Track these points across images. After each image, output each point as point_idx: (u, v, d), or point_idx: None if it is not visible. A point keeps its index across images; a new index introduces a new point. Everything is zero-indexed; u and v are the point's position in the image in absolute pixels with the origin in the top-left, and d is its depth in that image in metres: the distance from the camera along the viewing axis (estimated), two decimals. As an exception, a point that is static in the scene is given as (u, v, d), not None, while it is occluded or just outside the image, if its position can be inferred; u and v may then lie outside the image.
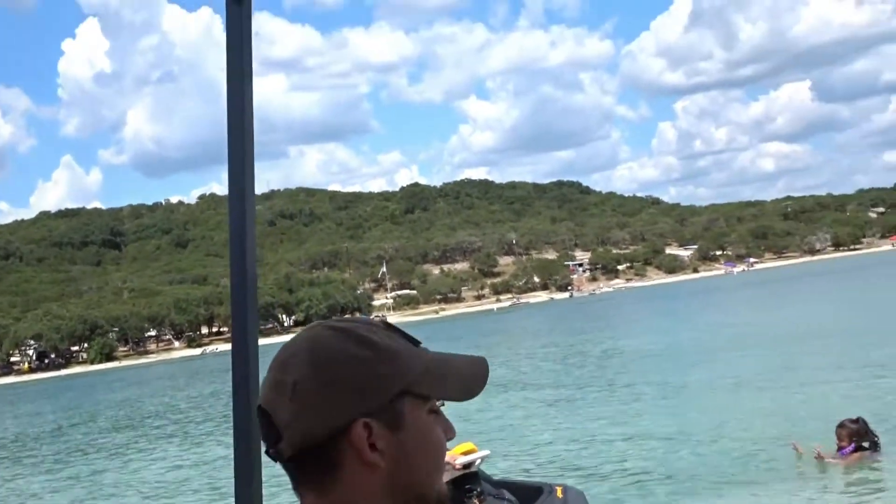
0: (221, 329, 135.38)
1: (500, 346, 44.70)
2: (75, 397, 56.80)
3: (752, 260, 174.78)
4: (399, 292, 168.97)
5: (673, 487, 11.60)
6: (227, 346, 1.69)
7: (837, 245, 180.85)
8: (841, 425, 11.24)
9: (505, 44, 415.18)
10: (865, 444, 11.10)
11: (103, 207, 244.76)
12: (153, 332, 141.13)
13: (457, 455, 9.27)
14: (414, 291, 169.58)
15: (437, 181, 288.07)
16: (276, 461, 0.97)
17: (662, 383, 21.64)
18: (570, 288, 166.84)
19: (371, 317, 1.07)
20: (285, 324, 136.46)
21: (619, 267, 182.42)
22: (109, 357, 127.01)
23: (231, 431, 1.63)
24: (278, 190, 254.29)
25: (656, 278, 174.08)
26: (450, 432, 1.00)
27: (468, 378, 1.01)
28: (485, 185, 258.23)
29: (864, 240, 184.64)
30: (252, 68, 1.69)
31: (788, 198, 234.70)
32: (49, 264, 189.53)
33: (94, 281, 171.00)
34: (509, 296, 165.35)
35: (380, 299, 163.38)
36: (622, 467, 13.07)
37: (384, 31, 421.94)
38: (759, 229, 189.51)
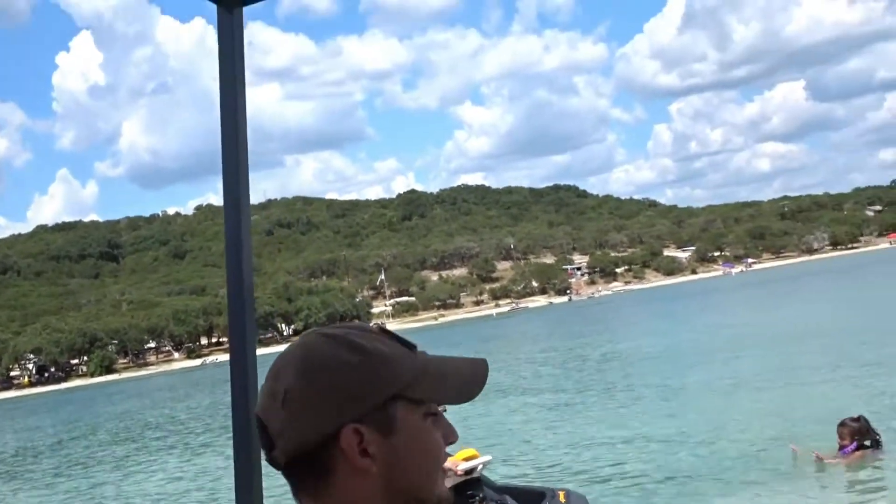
0: (221, 339, 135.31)
1: (500, 351, 44.66)
2: (75, 410, 56.70)
3: (750, 260, 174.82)
4: (398, 299, 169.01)
5: (674, 489, 11.58)
6: (227, 357, 1.69)
7: (835, 244, 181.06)
8: (842, 424, 11.23)
9: (499, 49, 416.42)
10: (867, 443, 11.09)
11: (100, 220, 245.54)
12: (153, 344, 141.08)
13: (458, 461, 9.28)
14: (413, 298, 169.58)
15: (433, 187, 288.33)
16: (276, 469, 0.98)
17: (662, 385, 21.62)
18: (568, 292, 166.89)
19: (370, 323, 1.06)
20: (284, 333, 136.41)
21: (618, 270, 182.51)
22: (109, 370, 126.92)
23: (231, 442, 1.63)
24: (275, 199, 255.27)
25: (655, 280, 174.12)
26: (451, 436, 1.00)
27: (466, 380, 1.00)
28: (481, 190, 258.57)
29: (861, 238, 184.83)
30: (245, 77, 1.69)
31: (785, 198, 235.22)
32: (47, 278, 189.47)
33: (93, 294, 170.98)
34: (508, 301, 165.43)
35: (379, 307, 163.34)
36: (623, 470, 13.05)
37: (378, 38, 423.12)
38: (757, 230, 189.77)
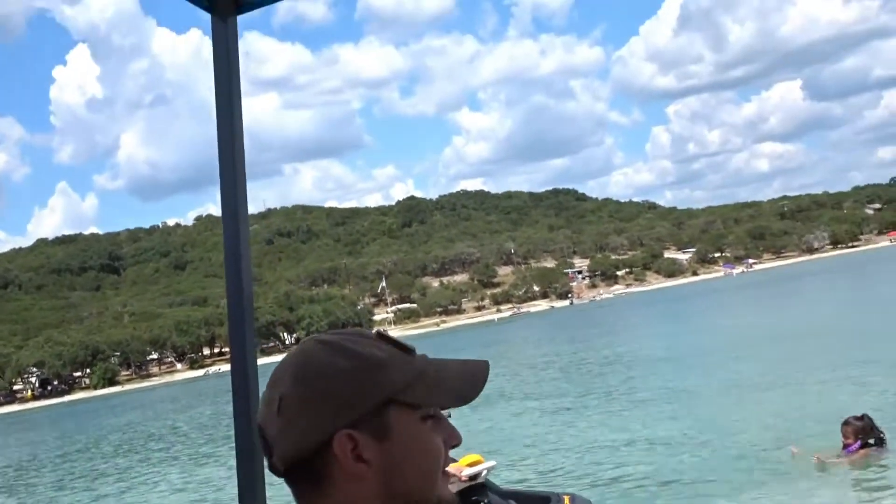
0: (223, 349, 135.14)
1: (502, 356, 44.59)
2: (78, 423, 56.64)
3: (750, 261, 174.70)
4: (399, 306, 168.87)
5: (678, 492, 11.56)
6: (230, 367, 1.70)
7: (835, 243, 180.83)
8: (846, 423, 11.23)
9: (495, 54, 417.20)
10: (871, 441, 11.08)
11: (100, 233, 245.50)
12: (155, 355, 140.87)
13: (462, 466, 9.27)
14: (414, 305, 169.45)
15: (433, 194, 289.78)
16: (277, 476, 0.99)
17: (664, 388, 21.58)
18: (570, 295, 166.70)
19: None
20: (286, 342, 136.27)
21: (619, 273, 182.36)
22: (112, 382, 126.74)
23: (234, 451, 1.63)
24: (275, 208, 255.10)
25: (656, 283, 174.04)
26: (454, 438, 1.00)
27: (466, 382, 1.00)
28: (481, 195, 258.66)
29: (861, 237, 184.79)
30: (240, 85, 1.69)
31: (784, 197, 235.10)
32: (48, 291, 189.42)
33: (94, 306, 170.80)
34: (509, 305, 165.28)
35: (380, 314, 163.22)
36: (627, 473, 13.02)
37: (374, 46, 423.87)
38: (757, 230, 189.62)
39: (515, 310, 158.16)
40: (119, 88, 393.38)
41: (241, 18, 1.72)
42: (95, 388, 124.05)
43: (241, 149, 1.67)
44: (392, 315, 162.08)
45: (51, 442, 44.83)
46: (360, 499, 0.95)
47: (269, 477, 1.12)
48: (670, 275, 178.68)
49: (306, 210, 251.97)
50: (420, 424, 0.97)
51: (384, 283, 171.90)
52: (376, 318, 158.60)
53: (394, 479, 0.95)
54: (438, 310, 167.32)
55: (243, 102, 1.71)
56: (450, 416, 1.02)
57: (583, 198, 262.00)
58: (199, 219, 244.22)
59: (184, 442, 30.73)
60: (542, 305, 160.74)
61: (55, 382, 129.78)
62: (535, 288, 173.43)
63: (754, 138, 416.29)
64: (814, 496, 10.36)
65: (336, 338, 0.99)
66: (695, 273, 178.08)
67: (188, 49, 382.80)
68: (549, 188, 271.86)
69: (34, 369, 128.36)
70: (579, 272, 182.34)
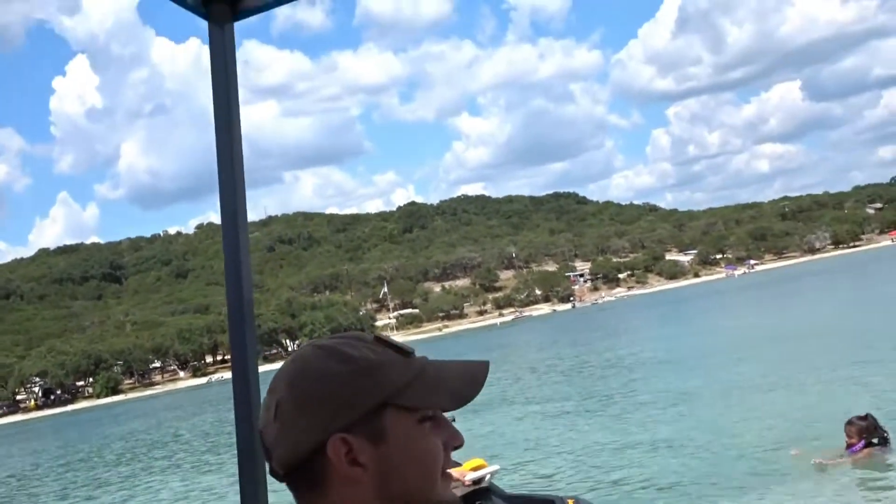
0: (226, 357, 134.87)
1: (504, 360, 44.55)
2: (81, 432, 56.62)
3: (752, 262, 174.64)
4: (401, 311, 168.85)
5: (680, 494, 11.53)
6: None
7: (837, 243, 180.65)
8: (850, 422, 11.21)
9: (494, 59, 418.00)
10: (875, 441, 11.07)
11: (102, 242, 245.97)
12: (158, 364, 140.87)
13: (466, 471, 9.28)
14: (416, 310, 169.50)
15: (433, 199, 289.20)
16: (278, 481, 1.00)
17: (666, 390, 21.55)
18: (571, 299, 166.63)
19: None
20: (289, 348, 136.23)
21: (620, 275, 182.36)
22: (115, 390, 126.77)
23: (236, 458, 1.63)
24: (276, 216, 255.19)
25: (657, 285, 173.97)
26: (455, 440, 1.00)
27: (465, 383, 0.99)
28: (482, 200, 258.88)
29: (863, 236, 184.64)
30: (238, 91, 1.69)
31: (785, 198, 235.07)
32: (50, 301, 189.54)
33: (96, 315, 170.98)
34: (511, 310, 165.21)
35: (382, 319, 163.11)
36: (630, 476, 12.98)
37: (372, 52, 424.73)
38: (758, 231, 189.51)
39: (517, 314, 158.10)
40: (119, 98, 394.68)
41: (239, 26, 1.71)
42: (98, 396, 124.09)
43: (240, 155, 1.67)
44: (394, 320, 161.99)
45: (53, 451, 44.82)
46: (357, 502, 0.95)
47: (272, 484, 1.11)
48: (672, 277, 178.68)
49: (307, 217, 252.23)
50: (418, 426, 0.96)
51: (386, 289, 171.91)
52: (378, 323, 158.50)
53: (391, 481, 0.95)
54: (440, 315, 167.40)
55: (241, 109, 1.70)
56: (454, 419, 1.03)
57: (583, 201, 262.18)
58: (200, 227, 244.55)
59: (186, 450, 30.69)
60: (544, 309, 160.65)
61: (58, 392, 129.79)
62: (537, 292, 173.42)
63: (754, 139, 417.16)
64: (818, 496, 10.34)
65: (332, 342, 0.99)
66: (696, 275, 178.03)
67: (187, 58, 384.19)
68: (550, 192, 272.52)
69: (37, 379, 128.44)
70: (581, 275, 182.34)
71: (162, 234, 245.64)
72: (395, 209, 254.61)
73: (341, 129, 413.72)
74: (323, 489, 0.95)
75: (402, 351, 0.99)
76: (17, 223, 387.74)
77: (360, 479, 0.94)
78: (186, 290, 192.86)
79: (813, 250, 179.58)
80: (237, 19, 1.71)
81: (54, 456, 41.42)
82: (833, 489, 10.51)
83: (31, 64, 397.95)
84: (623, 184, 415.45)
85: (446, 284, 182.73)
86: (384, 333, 1.10)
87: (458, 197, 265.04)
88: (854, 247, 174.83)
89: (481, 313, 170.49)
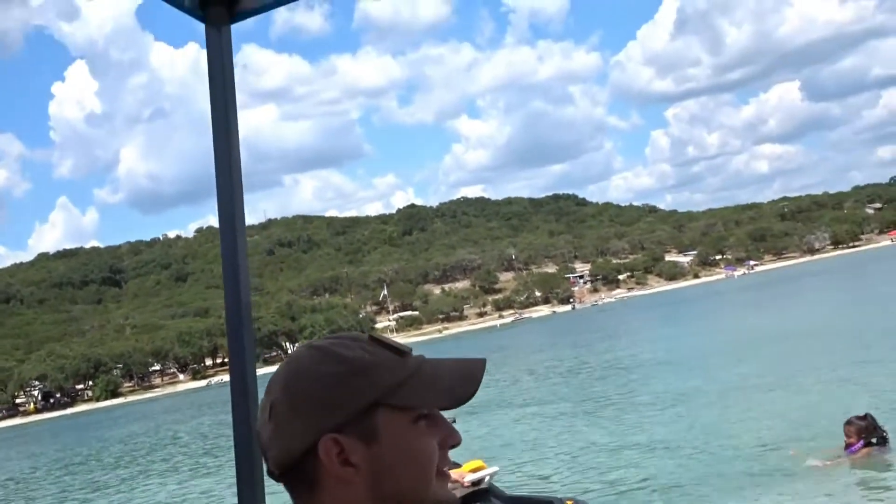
0: (226, 360, 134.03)
1: (504, 362, 44.53)
2: (80, 435, 56.58)
3: (752, 262, 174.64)
4: (401, 314, 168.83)
5: (680, 495, 11.52)
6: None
7: (836, 243, 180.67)
8: (849, 422, 11.21)
9: (492, 62, 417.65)
10: (874, 440, 11.05)
11: (101, 246, 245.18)
12: (157, 367, 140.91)
13: (465, 473, 9.26)
14: (416, 312, 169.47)
15: (433, 201, 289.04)
16: (275, 481, 1.00)
17: (665, 391, 21.53)
18: (571, 300, 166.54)
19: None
20: (289, 351, 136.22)
21: (620, 276, 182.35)
22: (115, 394, 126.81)
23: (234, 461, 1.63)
24: (275, 219, 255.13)
25: (657, 286, 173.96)
26: (452, 438, 0.99)
27: (462, 381, 0.98)
28: (481, 202, 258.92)
29: (862, 236, 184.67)
30: (235, 94, 1.69)
31: (785, 198, 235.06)
32: (50, 305, 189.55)
33: (96, 319, 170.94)
34: (511, 311, 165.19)
35: (382, 322, 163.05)
36: (628, 476, 12.96)
37: (371, 55, 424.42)
38: (758, 231, 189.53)
39: (517, 315, 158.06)
40: (118, 103, 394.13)
41: (237, 30, 1.71)
42: (98, 400, 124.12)
43: (238, 157, 1.66)
44: (394, 323, 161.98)
45: (52, 454, 44.78)
46: (349, 502, 0.95)
47: (270, 486, 1.10)
48: (672, 278, 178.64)
49: (307, 220, 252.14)
50: (412, 426, 0.96)
51: (386, 292, 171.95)
52: (378, 325, 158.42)
53: (383, 481, 0.94)
54: (440, 317, 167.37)
55: (241, 112, 1.68)
56: (454, 421, 1.02)
57: (583, 202, 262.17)
58: (199, 230, 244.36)
59: (185, 452, 30.65)
60: (543, 311, 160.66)
61: (58, 395, 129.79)
62: (537, 293, 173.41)
63: (753, 140, 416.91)
64: (817, 496, 10.33)
65: (327, 343, 0.99)
66: (696, 276, 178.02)
67: (186, 62, 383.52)
68: (550, 193, 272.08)
69: (37, 382, 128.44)
70: (580, 277, 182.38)
71: (161, 238, 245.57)
72: (394, 212, 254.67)
73: (341, 133, 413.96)
74: (316, 489, 0.95)
75: (398, 350, 0.99)
76: (16, 228, 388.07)
77: (352, 480, 0.94)
78: (186, 293, 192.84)
79: (812, 251, 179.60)
80: (234, 21, 1.71)
81: (53, 459, 41.38)
82: (832, 489, 10.49)
83: (30, 69, 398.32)
84: (622, 185, 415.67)
85: (446, 286, 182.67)
86: (380, 333, 1.07)
87: (458, 199, 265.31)
88: (853, 247, 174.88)
89: (481, 315, 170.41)
